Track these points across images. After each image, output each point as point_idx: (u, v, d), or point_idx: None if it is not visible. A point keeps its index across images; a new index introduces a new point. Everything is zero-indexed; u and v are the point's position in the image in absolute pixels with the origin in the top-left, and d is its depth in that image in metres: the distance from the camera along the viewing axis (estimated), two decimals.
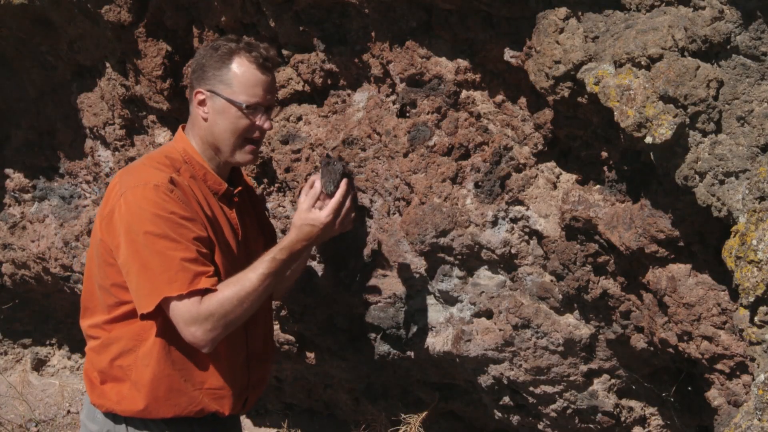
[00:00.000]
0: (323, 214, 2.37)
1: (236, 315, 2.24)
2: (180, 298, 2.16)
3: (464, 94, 2.55)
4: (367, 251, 2.89)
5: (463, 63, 2.49)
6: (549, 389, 2.79)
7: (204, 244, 2.23)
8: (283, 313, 3.18)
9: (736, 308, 1.97)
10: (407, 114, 2.67)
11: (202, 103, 2.34)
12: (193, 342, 2.22)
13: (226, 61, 2.30)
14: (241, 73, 2.29)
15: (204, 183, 2.36)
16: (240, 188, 2.48)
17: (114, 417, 2.34)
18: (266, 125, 2.34)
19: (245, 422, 4.17)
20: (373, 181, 2.79)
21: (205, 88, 2.33)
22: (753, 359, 1.84)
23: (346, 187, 2.40)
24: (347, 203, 2.42)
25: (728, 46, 1.87)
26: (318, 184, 2.41)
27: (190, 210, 2.22)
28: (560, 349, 2.65)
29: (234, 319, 2.24)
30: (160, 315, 2.22)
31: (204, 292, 2.18)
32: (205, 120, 2.34)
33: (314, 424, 4.01)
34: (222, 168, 2.41)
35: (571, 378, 2.73)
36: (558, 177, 2.48)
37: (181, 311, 2.18)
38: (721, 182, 1.92)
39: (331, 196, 2.40)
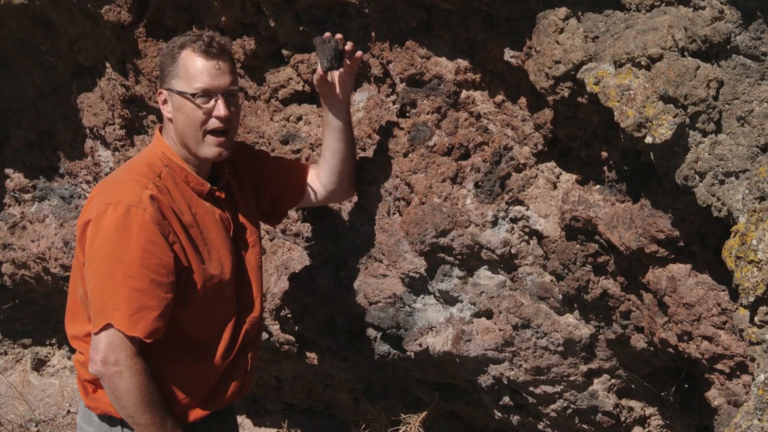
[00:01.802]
0: None
1: (116, 391, 2.19)
2: (120, 331, 2.15)
3: (464, 94, 2.55)
4: (366, 251, 2.89)
5: (463, 63, 2.49)
6: (549, 389, 2.79)
7: (167, 270, 2.20)
8: (283, 313, 3.18)
9: (736, 308, 1.97)
10: (407, 114, 2.67)
11: (164, 102, 2.33)
12: (92, 359, 2.19)
13: (175, 55, 2.28)
14: (187, 63, 2.27)
15: (186, 185, 2.34)
16: (224, 182, 2.44)
17: (110, 420, 2.34)
18: (221, 112, 2.27)
19: (245, 422, 4.17)
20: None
21: (164, 88, 2.32)
22: (753, 359, 1.84)
23: None
24: None
25: (728, 46, 1.87)
26: None
27: (161, 229, 2.19)
28: (560, 349, 2.65)
29: (112, 388, 2.19)
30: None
31: (140, 343, 2.17)
32: (171, 120, 2.33)
33: (314, 424, 4.02)
34: (202, 165, 2.38)
35: (571, 378, 2.73)
36: (558, 177, 2.48)
37: (113, 342, 2.15)
38: (721, 182, 1.92)
39: (325, 72, 2.48)
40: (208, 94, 2.27)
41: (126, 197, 2.18)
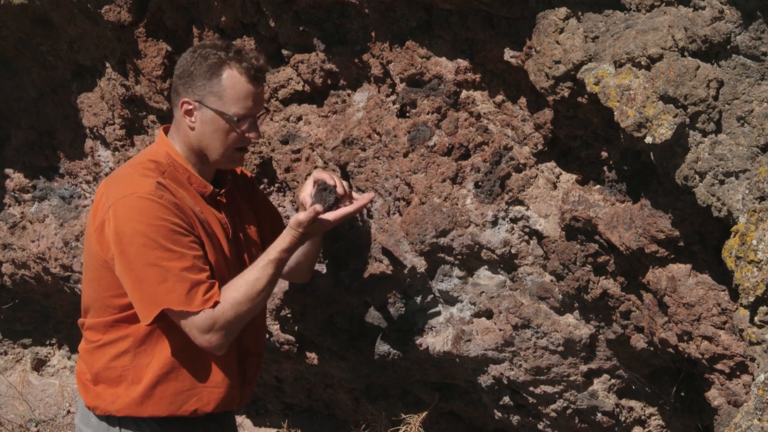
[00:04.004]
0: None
1: (248, 317, 2.29)
2: (190, 314, 2.20)
3: (464, 94, 2.55)
4: (367, 251, 2.89)
5: (463, 63, 2.49)
6: (549, 389, 2.79)
7: (198, 245, 2.24)
8: (283, 313, 3.18)
9: (736, 308, 1.97)
10: (407, 114, 2.67)
11: (189, 113, 2.32)
12: (209, 348, 2.25)
13: (216, 71, 2.27)
14: (231, 86, 2.28)
15: (189, 186, 2.35)
16: (225, 189, 2.46)
17: (108, 419, 2.34)
18: (254, 136, 2.35)
19: (245, 422, 4.17)
20: (373, 181, 2.79)
21: (193, 99, 2.30)
22: (753, 359, 1.85)
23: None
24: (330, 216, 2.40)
25: (728, 46, 1.87)
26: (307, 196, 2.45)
27: (181, 213, 2.22)
28: (560, 349, 2.65)
29: (245, 321, 2.30)
30: (159, 319, 2.23)
31: (214, 304, 2.21)
32: (192, 129, 2.33)
33: (314, 424, 4.01)
34: (206, 170, 2.41)
35: (571, 378, 2.73)
36: (558, 177, 2.48)
37: (196, 322, 2.21)
38: (721, 182, 1.92)
39: None
40: (246, 118, 2.31)
41: (139, 188, 2.20)
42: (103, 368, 2.32)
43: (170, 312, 2.21)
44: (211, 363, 2.35)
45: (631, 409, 2.78)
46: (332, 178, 2.44)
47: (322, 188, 2.44)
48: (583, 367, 2.70)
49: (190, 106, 2.31)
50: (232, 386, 2.41)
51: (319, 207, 2.34)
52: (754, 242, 1.80)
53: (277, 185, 3.08)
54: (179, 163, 2.35)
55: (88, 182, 3.74)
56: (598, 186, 2.38)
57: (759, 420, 1.74)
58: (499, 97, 2.50)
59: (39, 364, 4.77)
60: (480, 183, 2.58)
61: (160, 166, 2.32)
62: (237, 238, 2.46)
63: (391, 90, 2.71)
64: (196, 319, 2.20)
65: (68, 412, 4.60)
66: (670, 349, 2.35)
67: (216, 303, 2.22)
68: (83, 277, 2.41)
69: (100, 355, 2.33)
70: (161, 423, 2.33)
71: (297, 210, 3.04)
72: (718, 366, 2.21)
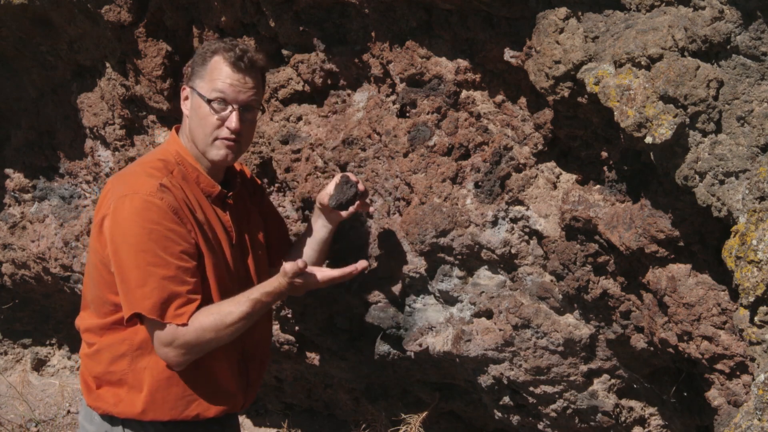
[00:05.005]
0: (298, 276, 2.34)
1: (210, 345, 2.27)
2: (158, 324, 2.20)
3: (464, 94, 2.55)
4: (366, 251, 2.89)
5: (463, 63, 2.49)
6: (549, 389, 2.79)
7: (189, 256, 2.23)
8: (283, 313, 3.18)
9: (736, 308, 1.97)
10: (407, 114, 2.67)
11: (185, 99, 2.38)
12: (165, 360, 2.26)
13: (207, 58, 2.33)
14: (214, 69, 2.31)
15: (197, 185, 2.36)
16: (232, 192, 2.46)
17: (111, 419, 2.34)
18: (232, 124, 2.30)
19: (245, 422, 4.17)
20: (373, 181, 2.79)
21: (187, 85, 2.37)
22: (753, 359, 1.84)
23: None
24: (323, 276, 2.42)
25: (728, 46, 1.87)
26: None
27: (179, 218, 2.22)
28: (560, 349, 2.65)
29: (208, 347, 2.27)
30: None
31: (182, 323, 2.20)
32: (188, 117, 2.38)
33: (314, 424, 4.02)
34: (214, 169, 2.41)
35: (571, 378, 2.73)
36: (558, 177, 2.48)
37: (159, 333, 2.22)
38: (721, 182, 1.92)
39: (331, 210, 2.54)
40: (225, 102, 2.30)
41: (142, 188, 2.21)
42: (103, 372, 2.33)
43: (144, 316, 2.23)
44: (212, 367, 2.35)
45: (631, 409, 2.78)
46: (356, 177, 2.53)
47: (344, 181, 2.50)
48: (583, 367, 2.70)
49: (185, 93, 2.38)
50: (234, 390, 2.41)
51: (301, 263, 2.31)
52: (754, 242, 1.80)
53: (277, 185, 3.08)
54: (188, 162, 2.37)
55: (88, 182, 3.74)
56: (598, 186, 2.38)
57: (759, 420, 1.74)
58: (499, 97, 2.50)
59: (39, 364, 4.77)
60: (480, 183, 2.58)
61: (169, 165, 2.33)
62: (241, 242, 2.46)
63: (391, 90, 2.71)
64: (160, 331, 2.22)
65: (68, 412, 4.60)
66: (670, 349, 2.35)
67: (185, 323, 2.21)
68: (85, 273, 2.42)
69: (99, 359, 2.34)
70: (165, 425, 2.33)
71: (296, 210, 3.04)
72: (718, 366, 2.21)
